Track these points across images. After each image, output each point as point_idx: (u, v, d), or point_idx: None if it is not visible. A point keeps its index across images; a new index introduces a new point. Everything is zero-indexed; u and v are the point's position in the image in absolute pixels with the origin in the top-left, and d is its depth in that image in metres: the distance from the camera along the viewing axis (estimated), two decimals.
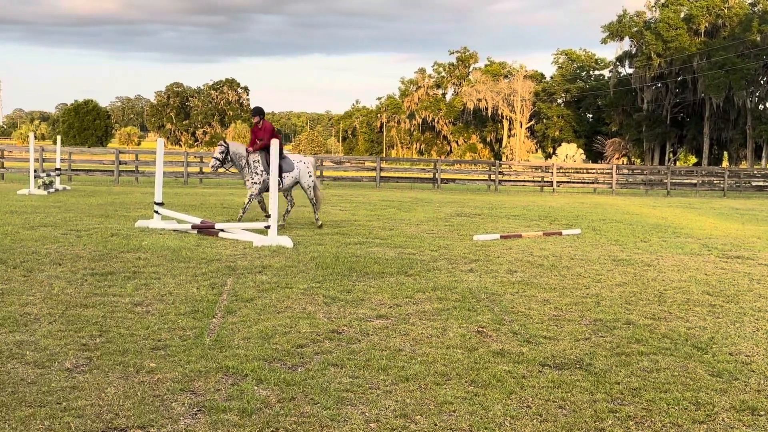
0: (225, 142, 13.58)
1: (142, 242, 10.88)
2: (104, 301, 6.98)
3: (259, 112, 14.00)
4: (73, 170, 30.06)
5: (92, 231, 11.95)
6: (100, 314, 6.45)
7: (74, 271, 8.43)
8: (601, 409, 4.60)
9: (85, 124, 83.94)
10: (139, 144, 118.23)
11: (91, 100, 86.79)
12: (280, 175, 13.34)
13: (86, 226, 12.68)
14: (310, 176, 14.27)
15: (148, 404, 4.37)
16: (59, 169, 23.91)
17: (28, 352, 5.27)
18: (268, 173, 13.05)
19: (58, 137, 25.88)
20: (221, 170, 13.89)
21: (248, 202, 13.61)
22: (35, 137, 23.62)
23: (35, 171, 21.91)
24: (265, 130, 13.62)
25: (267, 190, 13.21)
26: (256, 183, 13.52)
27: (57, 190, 21.97)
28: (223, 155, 13.36)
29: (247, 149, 13.60)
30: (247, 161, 13.49)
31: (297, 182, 14.18)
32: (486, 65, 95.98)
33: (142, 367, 5.05)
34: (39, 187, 21.36)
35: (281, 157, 13.56)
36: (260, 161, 13.49)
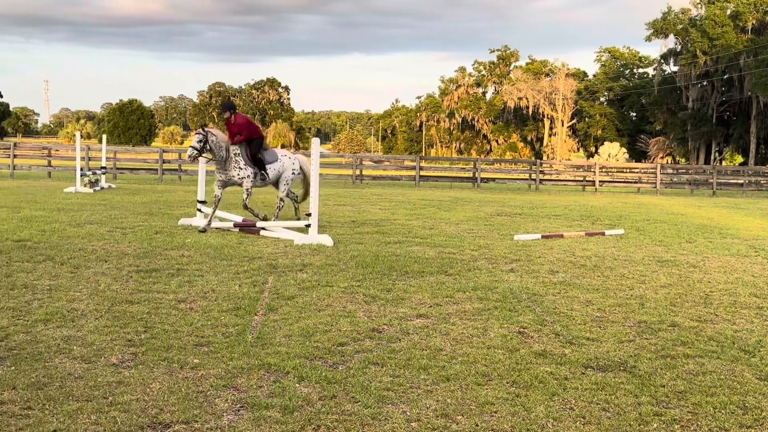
0: (204, 130, 12.64)
1: (186, 240, 11.04)
2: (149, 297, 7.10)
3: (228, 107, 13.03)
4: (118, 169, 30.63)
5: (137, 228, 12.16)
6: (145, 310, 6.56)
7: (120, 267, 8.59)
8: (646, 412, 4.53)
9: (130, 123, 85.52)
10: (182, 143, 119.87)
11: (136, 100, 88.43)
12: (263, 168, 12.90)
13: (131, 223, 12.91)
14: (293, 173, 13.48)
15: (191, 400, 4.43)
16: (105, 168, 24.39)
17: (75, 347, 5.38)
18: (250, 167, 12.71)
19: (104, 136, 26.42)
20: (205, 157, 13.04)
21: (247, 197, 12.85)
22: (81, 136, 24.09)
23: (81, 169, 22.37)
24: (240, 125, 12.81)
25: (260, 185, 13.05)
26: (245, 177, 12.72)
27: (102, 188, 22.40)
28: (201, 144, 12.40)
29: (227, 141, 12.79)
30: (227, 152, 12.68)
31: (281, 175, 13.38)
32: (527, 63, 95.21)
33: (186, 363, 5.12)
34: (85, 186, 21.81)
35: (264, 148, 13.17)
36: (241, 154, 12.73)
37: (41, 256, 9.12)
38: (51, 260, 8.85)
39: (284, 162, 13.42)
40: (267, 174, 13.04)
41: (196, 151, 12.47)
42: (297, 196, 14.18)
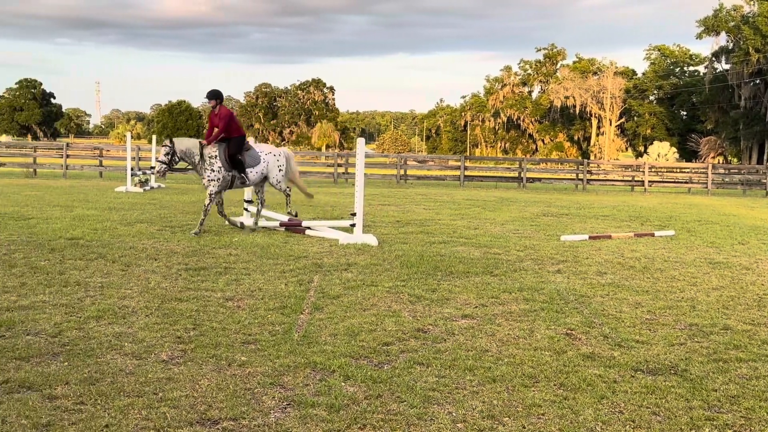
0: (170, 142, 11.95)
1: (233, 239, 11.17)
2: (197, 295, 7.20)
3: (215, 95, 12.23)
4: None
5: (186, 227, 12.35)
6: (194, 308, 6.66)
7: (169, 266, 8.74)
8: (698, 416, 4.43)
9: (178, 124, 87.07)
10: None
11: (184, 101, 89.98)
12: (243, 171, 12.13)
13: (180, 222, 13.12)
14: (280, 170, 12.66)
15: (239, 397, 4.48)
16: (154, 168, 24.84)
17: (126, 344, 5.49)
18: (227, 170, 11.97)
19: (153, 137, 26.92)
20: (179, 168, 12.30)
21: (209, 204, 11.99)
22: (131, 137, 24.61)
23: (132, 169, 22.83)
24: (222, 117, 12.02)
25: (228, 188, 12.27)
26: (213, 180, 11.95)
27: (152, 187, 22.83)
28: (169, 156, 11.81)
29: (200, 142, 12.04)
30: (202, 155, 11.94)
31: (265, 177, 12.63)
32: (574, 62, 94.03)
33: (234, 360, 5.19)
34: (135, 185, 22.26)
35: (245, 149, 12.33)
36: (217, 156, 11.93)
37: (93, 254, 9.33)
38: (103, 258, 9.05)
39: (268, 161, 12.57)
40: (247, 177, 12.23)
41: (164, 166, 11.83)
42: (222, 204, 12.80)
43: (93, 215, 13.87)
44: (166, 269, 8.51)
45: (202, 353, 5.32)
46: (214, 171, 11.94)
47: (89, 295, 7.00)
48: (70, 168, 30.97)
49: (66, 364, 4.96)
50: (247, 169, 12.20)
